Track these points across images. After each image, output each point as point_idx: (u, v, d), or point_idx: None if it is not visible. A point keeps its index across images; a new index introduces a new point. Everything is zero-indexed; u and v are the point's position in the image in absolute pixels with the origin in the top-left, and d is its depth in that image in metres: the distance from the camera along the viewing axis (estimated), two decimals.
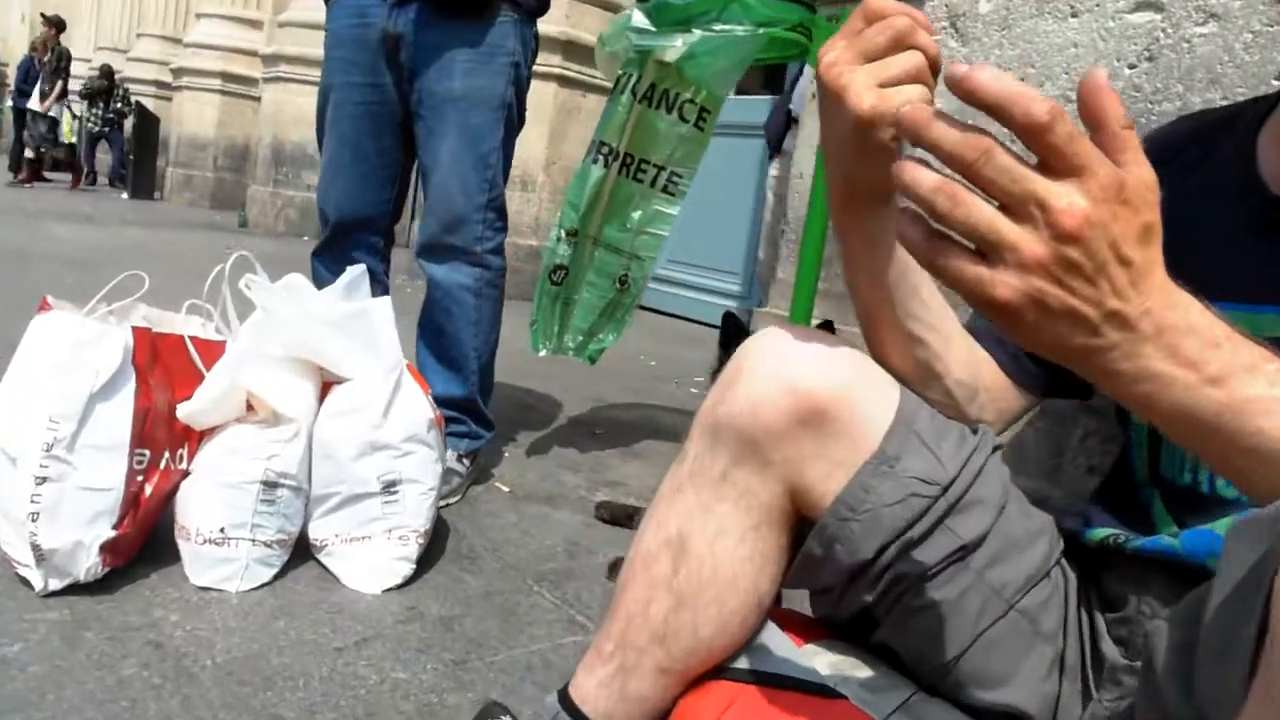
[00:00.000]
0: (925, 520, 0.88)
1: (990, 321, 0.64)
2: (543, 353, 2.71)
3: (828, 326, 2.07)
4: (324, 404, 1.81)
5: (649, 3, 2.42)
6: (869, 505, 0.88)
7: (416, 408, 1.84)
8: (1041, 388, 1.06)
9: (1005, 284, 0.60)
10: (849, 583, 0.94)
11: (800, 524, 0.93)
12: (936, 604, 0.91)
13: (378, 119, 2.33)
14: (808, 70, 4.32)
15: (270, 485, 1.69)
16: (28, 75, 13.40)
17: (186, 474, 1.72)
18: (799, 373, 0.88)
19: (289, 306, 1.80)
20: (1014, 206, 0.59)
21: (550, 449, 2.87)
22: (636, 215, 2.72)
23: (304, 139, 8.74)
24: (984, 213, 0.59)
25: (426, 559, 1.89)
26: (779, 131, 4.76)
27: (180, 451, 1.71)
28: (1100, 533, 1.01)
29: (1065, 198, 0.58)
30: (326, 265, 2.40)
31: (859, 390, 0.90)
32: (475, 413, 2.40)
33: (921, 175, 0.60)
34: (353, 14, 2.29)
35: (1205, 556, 0.89)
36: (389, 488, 1.79)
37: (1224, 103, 1.30)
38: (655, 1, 2.39)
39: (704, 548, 0.92)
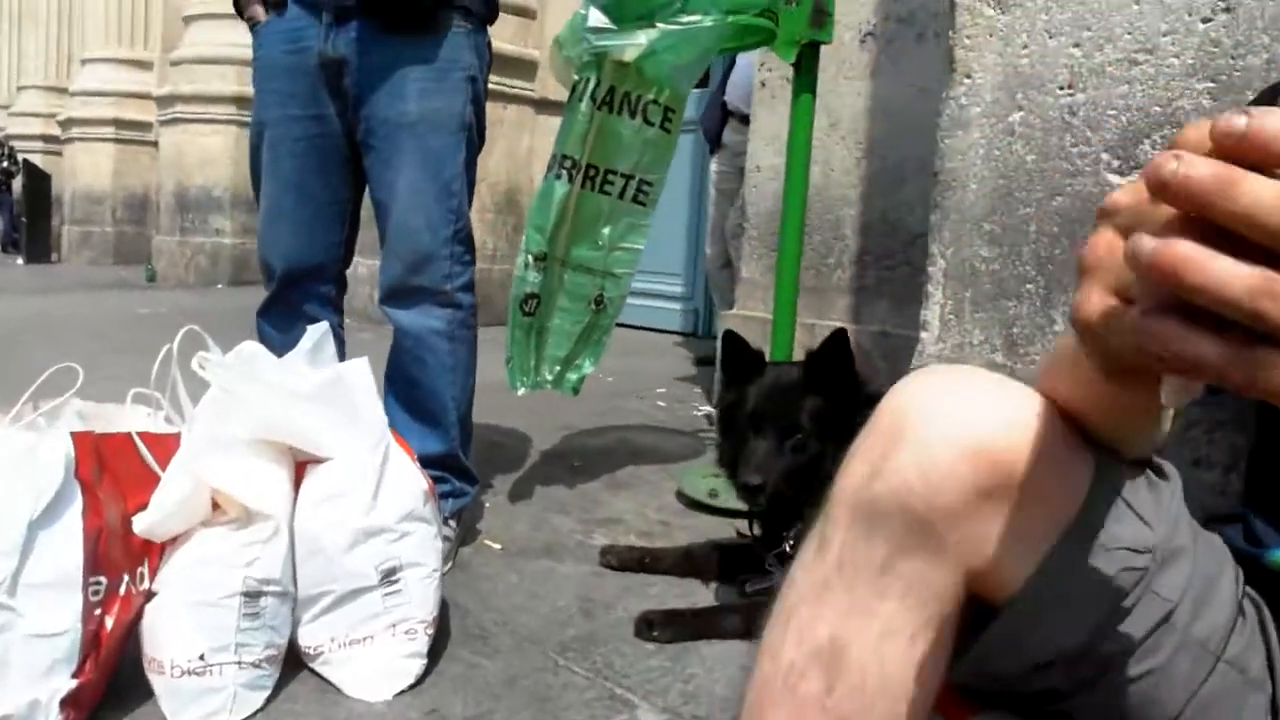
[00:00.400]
0: (1135, 592, 0.74)
1: None
2: (522, 391, 2.50)
3: (841, 335, 1.90)
4: (302, 490, 1.58)
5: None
6: (1074, 587, 0.72)
7: (409, 481, 1.62)
8: (1206, 391, 0.91)
9: None
10: (1036, 670, 0.77)
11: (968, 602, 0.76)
12: (1143, 676, 0.77)
13: (323, 154, 2.08)
14: (744, 61, 4.17)
15: (252, 596, 1.46)
16: None
17: (151, 595, 1.47)
18: (982, 433, 0.70)
19: (249, 382, 1.56)
20: None
21: (533, 492, 2.65)
22: (608, 231, 2.53)
23: (209, 181, 8.34)
24: None
25: (433, 648, 1.66)
26: (716, 125, 4.59)
27: (140, 570, 1.47)
28: None
29: None
30: (275, 324, 2.15)
31: (1053, 450, 0.72)
32: (458, 468, 2.17)
33: (1227, 272, 0.41)
34: (284, 40, 2.04)
35: None
36: (388, 577, 1.56)
37: None
38: None
39: (868, 655, 0.73)
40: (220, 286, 8.18)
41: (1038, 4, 1.35)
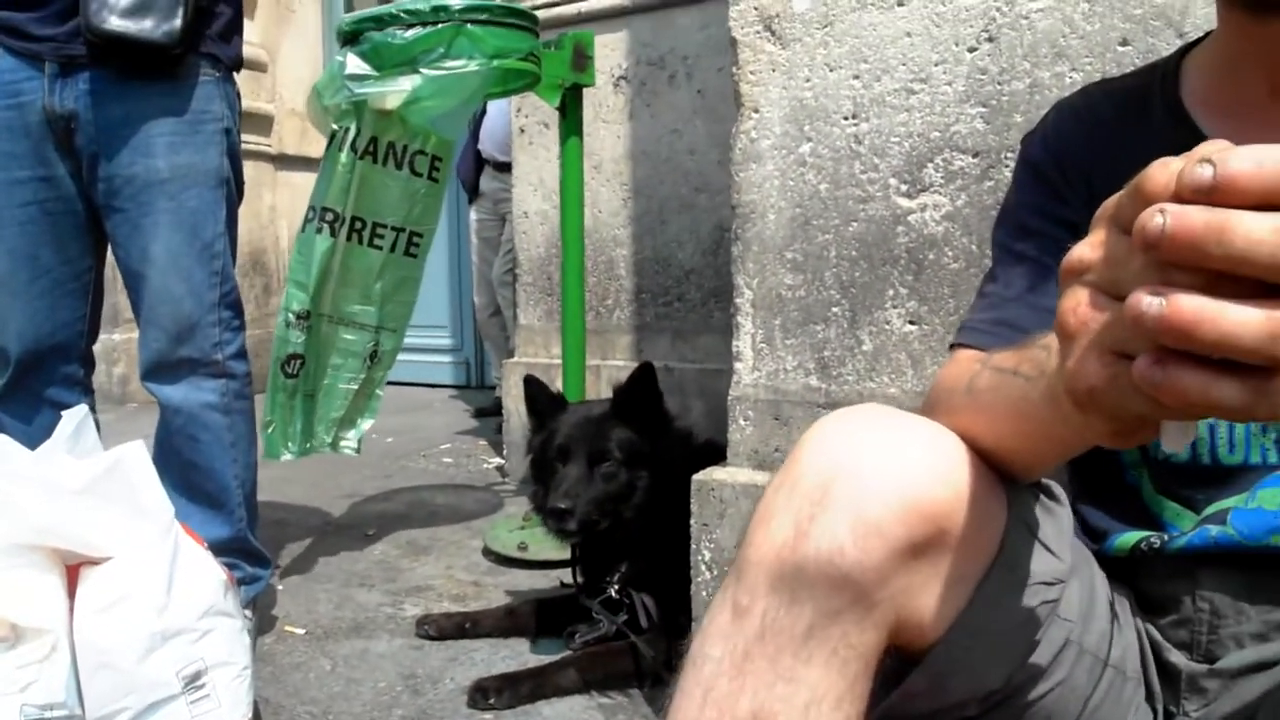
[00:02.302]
0: (1046, 622, 0.77)
1: None
2: (286, 457, 2.33)
3: (648, 368, 1.91)
4: (78, 597, 1.38)
5: (364, 45, 2.14)
6: (996, 627, 0.73)
7: (204, 572, 1.47)
8: None
9: None
10: (951, 706, 0.78)
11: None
12: (1047, 693, 0.81)
13: (56, 220, 1.86)
14: (496, 108, 4.16)
15: None
16: None
17: None
18: (916, 488, 0.69)
19: (1, 481, 1.36)
20: None
21: (330, 568, 2.48)
22: (379, 285, 2.43)
23: None
24: None
25: None
26: (472, 174, 4.55)
27: None
28: (1129, 539, 0.93)
29: None
30: (15, 414, 1.89)
31: (976, 490, 0.72)
32: (248, 552, 1.99)
33: (1238, 321, 0.39)
34: None
35: (1266, 536, 0.84)
36: (193, 682, 1.40)
37: (1075, 75, 1.28)
38: (373, 43, 2.11)
39: None
40: None
41: (815, 39, 1.42)
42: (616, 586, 1.87)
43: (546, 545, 2.42)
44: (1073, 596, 0.80)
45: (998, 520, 0.74)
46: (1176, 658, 0.88)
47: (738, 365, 1.55)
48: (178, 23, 1.73)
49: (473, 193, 4.61)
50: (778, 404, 1.52)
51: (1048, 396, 0.59)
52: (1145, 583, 0.92)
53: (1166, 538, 0.89)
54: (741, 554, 0.73)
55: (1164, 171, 0.42)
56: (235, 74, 1.99)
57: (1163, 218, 0.40)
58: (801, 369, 1.49)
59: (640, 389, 1.91)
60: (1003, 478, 0.76)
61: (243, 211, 5.88)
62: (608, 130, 3.24)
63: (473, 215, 4.66)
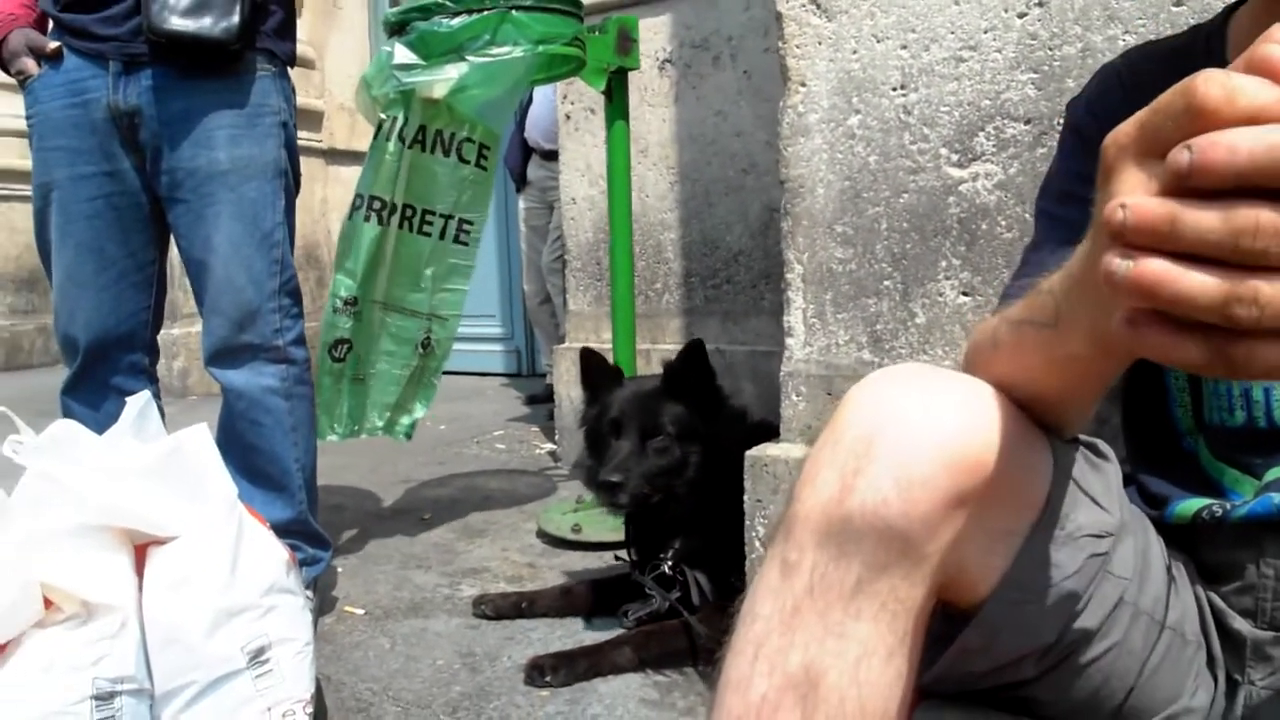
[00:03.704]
0: (1097, 577, 0.76)
1: None
2: (332, 438, 2.38)
3: (699, 345, 1.91)
4: (147, 575, 1.42)
5: (410, 35, 2.16)
6: (1045, 581, 0.73)
7: (268, 551, 1.50)
8: None
9: None
10: (1007, 666, 0.77)
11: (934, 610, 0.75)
12: (1104, 654, 0.80)
13: (121, 214, 1.91)
14: (541, 96, 4.18)
15: (105, 698, 1.30)
16: None
17: None
18: (957, 438, 0.69)
19: (71, 465, 1.40)
20: None
21: (388, 550, 2.52)
22: (430, 272, 2.45)
23: None
24: None
25: None
26: (519, 163, 4.58)
27: None
28: (1189, 506, 0.91)
29: None
30: (84, 401, 1.96)
31: (1019, 445, 0.72)
32: (309, 534, 2.03)
33: (1196, 284, 0.43)
34: (64, 93, 1.86)
35: None
36: (257, 657, 1.43)
37: (1128, 38, 1.25)
38: (419, 32, 2.13)
39: (845, 680, 0.69)
40: None
41: (862, 10, 1.40)
42: (670, 563, 1.88)
43: (600, 527, 2.43)
44: (1126, 555, 0.79)
45: (1042, 473, 0.74)
46: (1241, 625, 0.86)
47: (789, 341, 1.54)
48: (235, 20, 1.77)
49: (520, 182, 4.64)
50: (830, 379, 1.51)
51: (1065, 333, 0.62)
52: (1207, 551, 0.90)
53: (1229, 506, 0.87)
54: (789, 511, 0.73)
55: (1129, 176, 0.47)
56: (290, 69, 2.03)
57: (1123, 212, 0.44)
58: (854, 343, 1.48)
59: (692, 365, 1.92)
60: (1045, 432, 0.75)
61: (296, 204, 5.94)
62: (653, 114, 3.23)
63: (521, 204, 4.69)
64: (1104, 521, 0.77)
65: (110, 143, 1.87)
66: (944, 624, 0.76)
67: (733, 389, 3.07)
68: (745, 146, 3.06)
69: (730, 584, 1.82)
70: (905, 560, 0.68)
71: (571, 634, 1.94)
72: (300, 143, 5.79)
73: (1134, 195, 0.45)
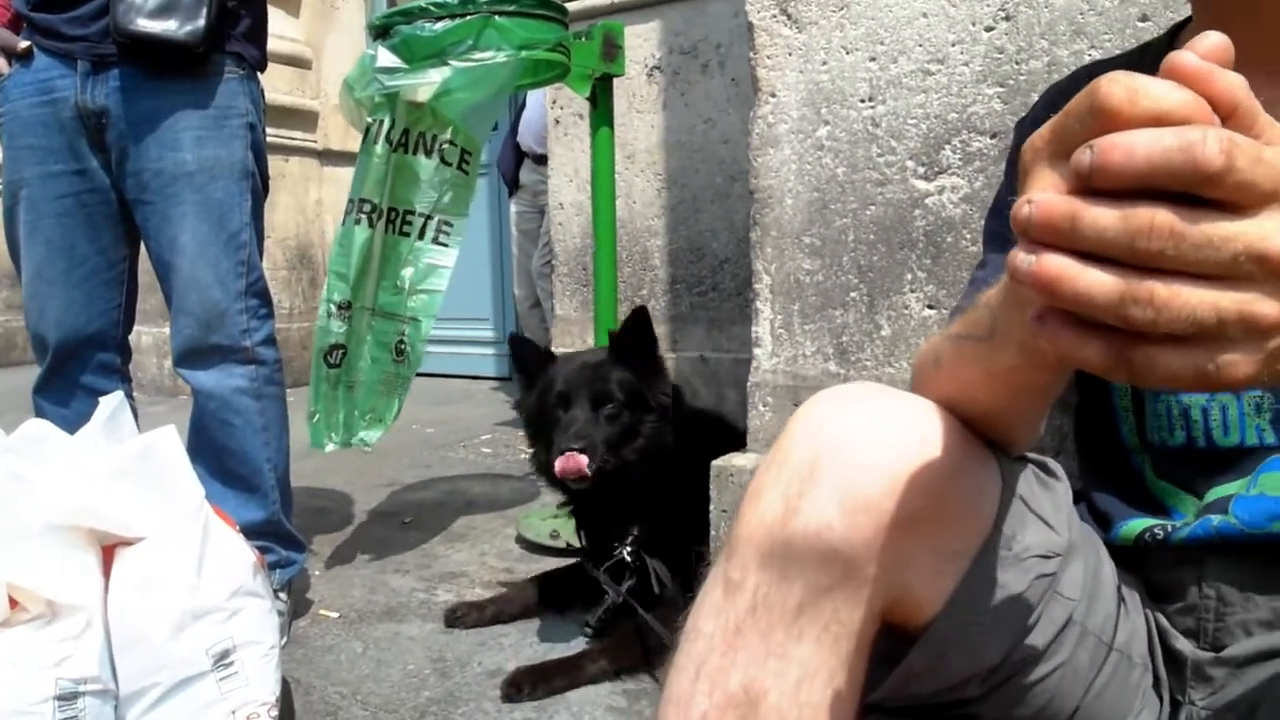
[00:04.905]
0: (1045, 598, 0.76)
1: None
2: (330, 448, 2.37)
3: (642, 311, 1.91)
4: (113, 575, 1.43)
5: (394, 39, 2.16)
6: (992, 602, 0.72)
7: (234, 553, 1.51)
8: None
9: (1240, 363, 0.45)
10: (953, 687, 0.77)
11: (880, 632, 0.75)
12: (1049, 674, 0.79)
13: (90, 212, 1.92)
14: (533, 101, 4.19)
15: (68, 698, 1.30)
16: None
17: None
18: (902, 460, 0.69)
19: (40, 464, 1.40)
20: (1221, 273, 0.44)
21: (366, 553, 2.52)
22: (408, 273, 2.45)
23: None
24: (1195, 300, 0.43)
25: None
26: (511, 167, 4.58)
27: None
28: (1134, 528, 0.91)
29: (1277, 235, 0.43)
30: (55, 400, 1.96)
31: (966, 465, 0.72)
32: (282, 535, 2.03)
33: (1093, 282, 0.43)
34: (34, 90, 1.87)
35: (1269, 524, 0.82)
36: (222, 660, 1.43)
37: (1094, 53, 1.26)
38: (403, 35, 2.14)
39: (785, 702, 0.69)
40: None
41: (831, 21, 1.41)
42: (629, 549, 1.86)
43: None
44: (1075, 575, 0.79)
45: (990, 493, 0.74)
46: (1183, 645, 0.86)
47: (756, 351, 1.55)
48: (201, 23, 1.78)
49: (513, 185, 4.64)
50: (796, 390, 1.52)
51: (1000, 345, 0.63)
52: (1152, 570, 0.90)
53: (1170, 528, 0.87)
54: (733, 530, 0.73)
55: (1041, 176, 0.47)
56: (260, 72, 2.04)
57: (1029, 208, 0.44)
58: (820, 354, 1.49)
59: (635, 333, 1.90)
60: (995, 451, 0.76)
61: (289, 205, 5.97)
62: (641, 120, 3.24)
63: (513, 208, 4.69)
64: (1052, 542, 0.77)
65: (78, 142, 1.88)
66: (891, 643, 0.76)
67: (717, 396, 3.08)
68: (733, 154, 3.07)
69: (691, 568, 1.80)
70: (849, 583, 0.68)
71: (546, 639, 1.95)
72: (296, 143, 5.80)
73: (1042, 194, 0.45)
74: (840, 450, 0.69)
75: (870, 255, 1.44)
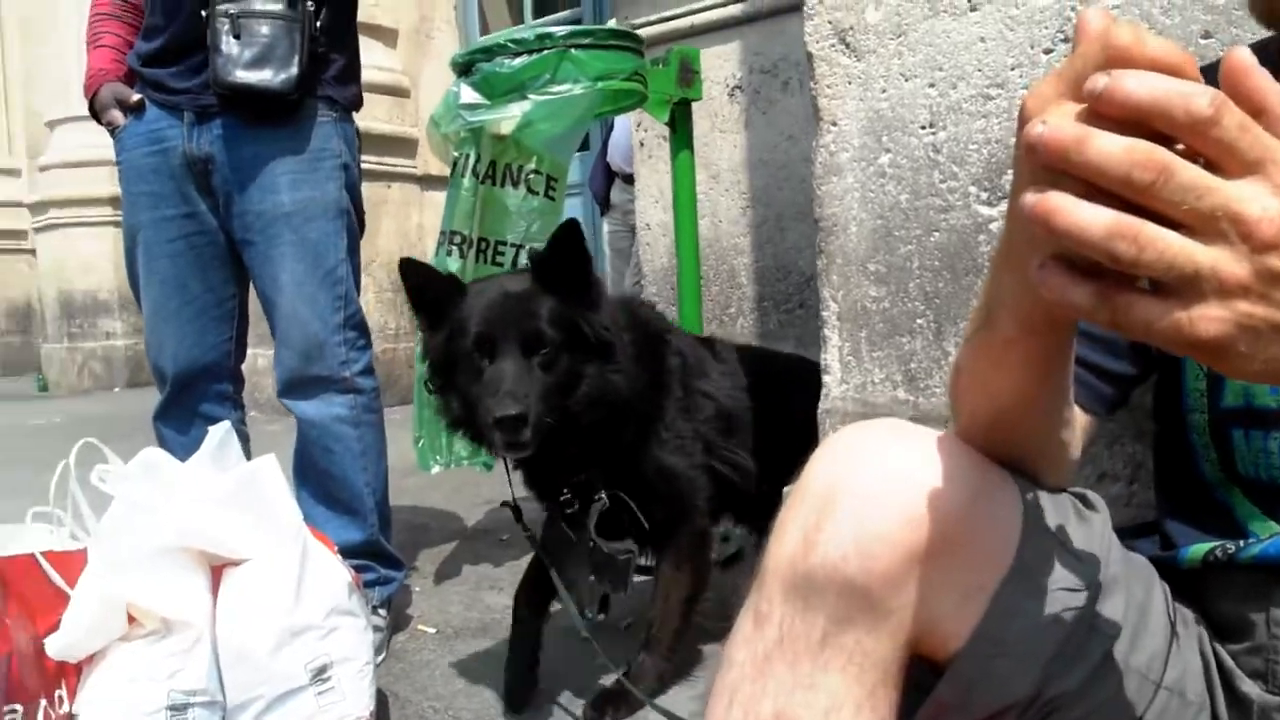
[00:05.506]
0: (1078, 630, 0.75)
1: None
2: (435, 469, 2.47)
3: (572, 224, 1.61)
4: (221, 594, 1.53)
5: (475, 76, 2.26)
6: (1019, 634, 0.73)
7: (331, 574, 1.60)
8: (1109, 409, 0.95)
9: (1209, 319, 0.49)
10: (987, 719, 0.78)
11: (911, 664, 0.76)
12: (1089, 713, 0.79)
13: (200, 253, 2.07)
14: (622, 122, 4.26)
15: (179, 709, 1.42)
16: None
17: (73, 718, 1.41)
18: (916, 495, 0.71)
19: (155, 492, 1.52)
20: (1200, 226, 0.48)
21: (463, 571, 2.62)
22: None
23: (94, 285, 8.07)
24: (1176, 246, 0.48)
25: None
26: (603, 187, 4.67)
27: (58, 693, 1.42)
28: (1199, 549, 0.90)
29: (1257, 203, 0.48)
30: (173, 427, 2.11)
31: (985, 499, 0.74)
32: (381, 555, 2.14)
33: (1087, 216, 0.48)
34: (145, 140, 2.03)
35: None
36: (320, 675, 1.53)
37: None
38: (484, 72, 2.23)
39: None
40: (117, 390, 7.90)
41: (889, 49, 1.43)
42: (602, 497, 1.63)
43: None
44: (1114, 609, 0.79)
45: (1011, 527, 0.75)
46: (1249, 688, 0.85)
47: (826, 378, 1.57)
48: (294, 71, 1.90)
49: (604, 204, 4.72)
50: (866, 417, 1.52)
51: (996, 321, 0.67)
52: (1218, 603, 0.89)
53: (1239, 546, 0.86)
54: (762, 564, 0.77)
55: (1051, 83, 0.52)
56: (354, 112, 2.15)
57: (1041, 127, 0.48)
58: (889, 381, 1.51)
59: (565, 252, 1.57)
60: (1020, 486, 0.77)
61: (391, 230, 6.15)
62: (725, 140, 3.28)
63: (605, 227, 4.78)
64: (1084, 574, 0.77)
65: (187, 187, 2.02)
66: (924, 675, 0.77)
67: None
68: None
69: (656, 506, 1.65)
70: (869, 614, 0.71)
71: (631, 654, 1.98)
72: (396, 169, 6.00)
73: (1058, 117, 0.50)
74: (855, 485, 0.72)
75: (936, 282, 1.45)
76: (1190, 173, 0.47)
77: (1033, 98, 0.52)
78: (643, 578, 1.86)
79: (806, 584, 0.72)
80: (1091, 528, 0.82)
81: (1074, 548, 0.78)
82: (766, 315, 3.28)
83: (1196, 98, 0.47)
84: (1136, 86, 0.47)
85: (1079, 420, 0.87)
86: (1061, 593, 0.76)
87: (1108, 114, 0.47)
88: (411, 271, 1.62)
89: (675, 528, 1.76)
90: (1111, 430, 1.29)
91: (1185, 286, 0.49)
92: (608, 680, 1.79)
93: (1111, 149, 0.47)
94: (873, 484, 0.72)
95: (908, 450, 0.75)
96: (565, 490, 1.66)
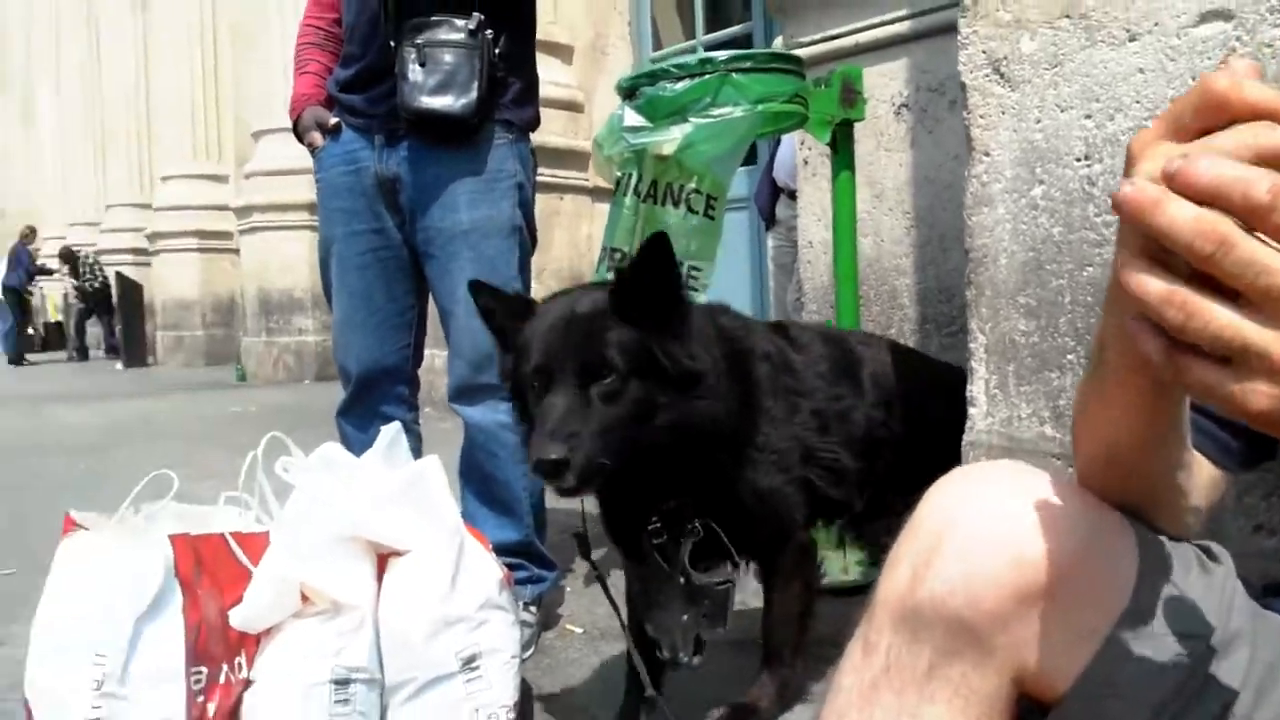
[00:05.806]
0: (1191, 681, 0.74)
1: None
2: None
3: (660, 239, 1.43)
4: (384, 582, 1.67)
5: (639, 100, 2.34)
6: (1128, 679, 0.73)
7: (484, 570, 1.70)
8: (1242, 463, 0.93)
9: (1260, 393, 0.51)
10: None
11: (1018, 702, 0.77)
12: None
13: (385, 266, 2.24)
14: (788, 138, 4.28)
15: (342, 683, 1.54)
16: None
17: (249, 683, 1.57)
18: (1024, 537, 0.72)
19: (332, 485, 1.67)
20: (1259, 302, 0.50)
21: (617, 574, 2.69)
22: None
23: (290, 284, 8.72)
24: (1223, 320, 0.51)
25: None
26: (768, 202, 4.70)
27: (238, 660, 1.57)
28: None
29: None
30: (354, 424, 2.28)
31: (1099, 542, 0.75)
32: (535, 555, 2.25)
33: (1148, 284, 0.51)
34: (342, 160, 2.21)
35: None
36: (469, 664, 1.63)
37: None
38: (647, 96, 2.31)
39: None
40: (306, 382, 8.49)
41: (1045, 79, 1.42)
42: (696, 526, 1.54)
43: (833, 566, 2.43)
44: (1237, 665, 0.76)
45: (1127, 570, 0.74)
46: None
47: (971, 410, 1.56)
48: (474, 95, 2.04)
49: (769, 220, 4.74)
50: (1012, 452, 1.52)
51: (1107, 361, 0.68)
52: None
53: None
54: (873, 596, 0.80)
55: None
56: (531, 132, 2.28)
57: (1130, 188, 0.51)
58: (1036, 417, 1.49)
59: (651, 269, 1.40)
60: (1138, 531, 0.77)
61: (563, 240, 6.39)
62: (890, 159, 3.26)
63: (770, 242, 4.80)
64: (1198, 623, 0.76)
65: (377, 204, 2.19)
66: (1031, 715, 0.78)
67: None
68: None
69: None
70: (974, 650, 0.73)
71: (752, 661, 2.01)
72: (568, 182, 6.22)
73: (1144, 179, 0.52)
74: (965, 524, 0.74)
75: (1088, 318, 1.42)
76: (1249, 249, 0.49)
77: (1137, 139, 0.55)
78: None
79: (915, 617, 0.74)
80: (1213, 579, 0.80)
81: (1193, 597, 0.77)
82: (929, 338, 3.24)
83: (1256, 184, 0.48)
84: (1204, 171, 0.49)
85: (1205, 471, 0.86)
86: (1176, 640, 0.74)
87: (1183, 194, 0.50)
88: (481, 292, 1.58)
89: (778, 546, 1.75)
90: (1269, 481, 1.24)
91: (1237, 359, 0.51)
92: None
93: (1181, 217, 0.49)
94: (982, 524, 0.74)
95: (1019, 492, 0.76)
96: (654, 519, 1.57)
